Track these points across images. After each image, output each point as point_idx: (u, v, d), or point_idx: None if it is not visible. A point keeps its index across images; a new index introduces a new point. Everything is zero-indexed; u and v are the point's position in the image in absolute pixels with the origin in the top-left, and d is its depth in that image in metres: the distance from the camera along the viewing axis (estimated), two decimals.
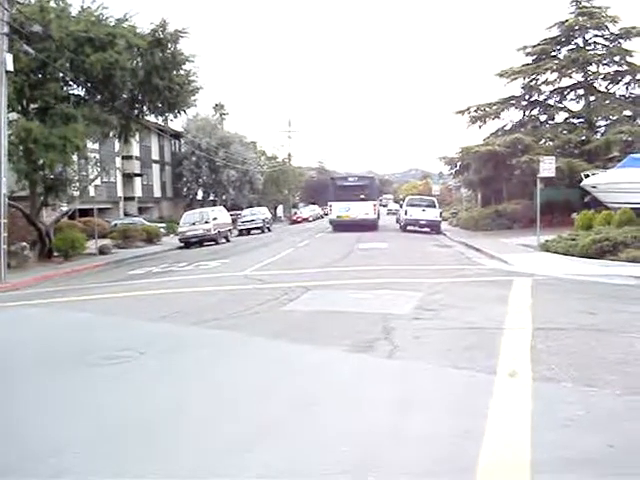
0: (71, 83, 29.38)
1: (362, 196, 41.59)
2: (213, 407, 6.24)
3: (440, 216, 42.14)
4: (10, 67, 21.40)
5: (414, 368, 7.23)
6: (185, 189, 67.27)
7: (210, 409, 6.18)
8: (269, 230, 52.08)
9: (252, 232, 50.19)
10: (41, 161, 26.67)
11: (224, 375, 7.52)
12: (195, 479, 4.58)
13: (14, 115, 26.52)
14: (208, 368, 7.86)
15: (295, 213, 79.20)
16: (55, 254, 29.65)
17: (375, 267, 18.29)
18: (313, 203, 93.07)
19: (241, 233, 50.10)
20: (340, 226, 41.29)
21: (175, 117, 33.94)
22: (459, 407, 5.82)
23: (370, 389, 6.64)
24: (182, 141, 67.13)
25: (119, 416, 6.07)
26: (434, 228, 39.49)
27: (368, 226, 40.49)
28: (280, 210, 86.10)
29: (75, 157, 30.52)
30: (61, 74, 28.04)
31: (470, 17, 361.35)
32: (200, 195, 68.26)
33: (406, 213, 41.46)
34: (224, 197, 67.56)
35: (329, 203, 44.82)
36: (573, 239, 20.75)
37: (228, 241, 40.38)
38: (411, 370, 7.19)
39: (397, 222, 47.49)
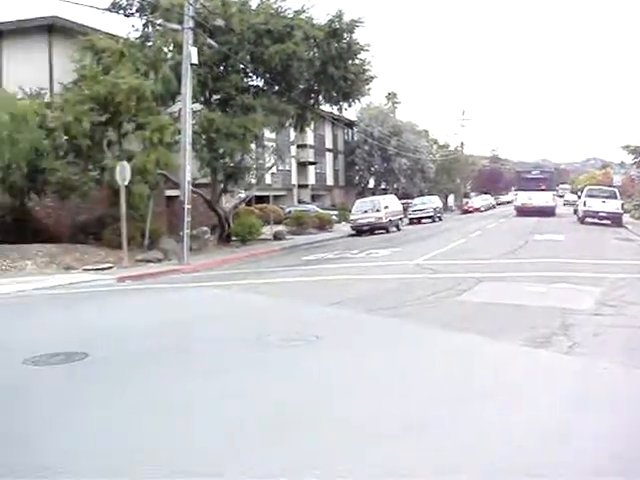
0: (251, 74, 30.49)
1: (542, 187, 47.36)
2: (375, 395, 6.18)
3: (622, 208, 39.92)
4: (195, 60, 22.46)
5: (594, 366, 6.90)
6: (357, 177, 67.88)
7: (372, 397, 6.10)
8: (440, 219, 51.50)
9: (423, 221, 49.88)
10: (222, 150, 27.91)
11: (393, 363, 7.45)
12: (331, 472, 4.37)
13: (198, 106, 27.85)
14: (380, 355, 7.82)
15: (466, 202, 77.68)
16: (233, 238, 30.99)
17: (551, 259, 17.63)
18: (485, 192, 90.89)
19: (411, 222, 49.83)
20: (523, 211, 46.50)
21: (349, 106, 34.44)
22: None
23: (546, 386, 6.42)
24: (355, 130, 67.77)
25: (287, 400, 6.08)
26: (615, 220, 37.41)
27: (547, 212, 45.14)
28: (451, 199, 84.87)
29: (253, 146, 31.65)
30: (242, 66, 29.15)
31: None
32: (372, 183, 68.56)
33: (585, 204, 39.60)
34: (395, 185, 67.61)
35: (515, 192, 54.16)
36: None
37: (399, 229, 40.39)
38: (591, 368, 6.87)
39: (575, 213, 45.69)
